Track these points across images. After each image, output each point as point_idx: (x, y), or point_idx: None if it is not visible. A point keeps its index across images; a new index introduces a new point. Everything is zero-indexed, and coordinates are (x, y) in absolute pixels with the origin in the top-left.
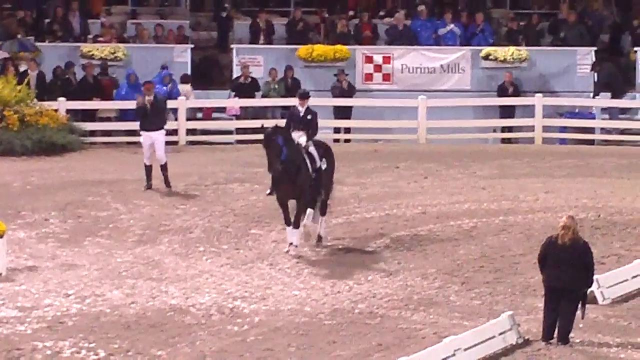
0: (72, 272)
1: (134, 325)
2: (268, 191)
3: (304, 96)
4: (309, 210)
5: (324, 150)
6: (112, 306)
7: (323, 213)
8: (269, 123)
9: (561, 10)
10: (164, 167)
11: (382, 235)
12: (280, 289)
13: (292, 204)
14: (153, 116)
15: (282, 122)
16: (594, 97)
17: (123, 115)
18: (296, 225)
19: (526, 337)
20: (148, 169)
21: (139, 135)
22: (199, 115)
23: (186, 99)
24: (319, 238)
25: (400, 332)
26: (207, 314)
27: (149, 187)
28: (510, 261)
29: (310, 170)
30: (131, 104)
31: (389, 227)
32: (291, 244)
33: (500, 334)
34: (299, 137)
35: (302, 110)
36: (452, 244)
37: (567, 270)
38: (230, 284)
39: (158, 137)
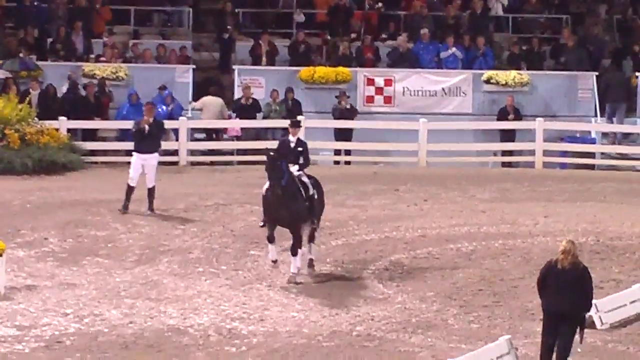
0: (70, 291)
1: (131, 345)
2: (261, 223)
3: (296, 125)
4: (303, 249)
5: (315, 181)
6: (110, 326)
7: (312, 240)
8: (270, 146)
9: (562, 35)
10: (152, 191)
11: (381, 258)
12: (278, 310)
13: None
14: (149, 139)
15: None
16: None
17: (123, 135)
18: (294, 252)
19: None
20: (130, 190)
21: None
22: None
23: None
24: (310, 262)
25: (398, 355)
26: (205, 335)
27: (125, 208)
28: (509, 285)
29: (304, 196)
30: (131, 124)
31: (388, 250)
32: (274, 261)
33: (498, 357)
34: (291, 167)
35: (293, 140)
36: (451, 267)
37: (566, 295)
38: (229, 304)
39: (150, 161)
